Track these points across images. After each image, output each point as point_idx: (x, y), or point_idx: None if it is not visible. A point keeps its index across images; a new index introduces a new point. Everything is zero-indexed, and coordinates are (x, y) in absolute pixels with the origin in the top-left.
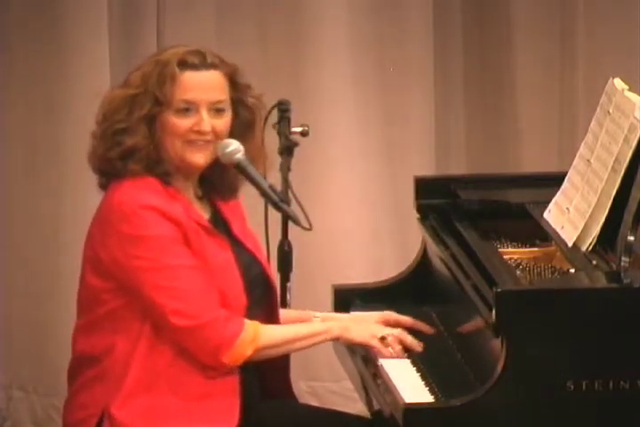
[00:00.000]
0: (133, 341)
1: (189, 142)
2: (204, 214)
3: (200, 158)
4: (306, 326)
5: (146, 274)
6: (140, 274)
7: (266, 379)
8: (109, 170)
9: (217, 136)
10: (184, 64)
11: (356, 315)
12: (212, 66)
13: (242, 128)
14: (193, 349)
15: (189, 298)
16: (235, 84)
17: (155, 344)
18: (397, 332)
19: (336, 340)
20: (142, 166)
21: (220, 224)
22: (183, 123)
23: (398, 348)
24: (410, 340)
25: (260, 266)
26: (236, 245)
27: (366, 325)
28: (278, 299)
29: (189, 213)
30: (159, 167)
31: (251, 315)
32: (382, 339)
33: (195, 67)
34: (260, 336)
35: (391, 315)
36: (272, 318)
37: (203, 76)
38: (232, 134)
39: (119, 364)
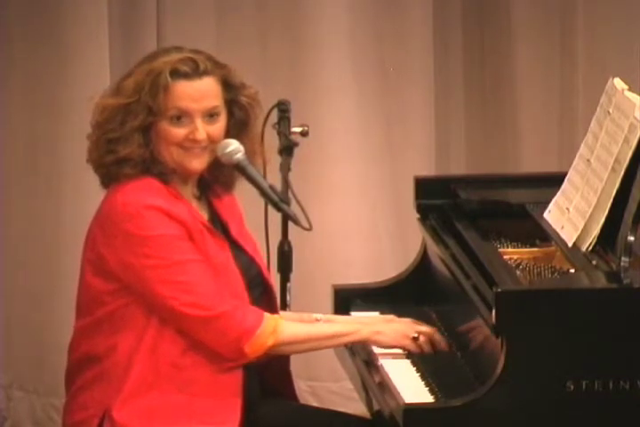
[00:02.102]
0: (135, 341)
1: (185, 149)
2: (204, 215)
3: (197, 164)
4: (333, 325)
5: (155, 271)
6: (149, 272)
7: (266, 379)
8: (105, 173)
9: (212, 141)
10: (176, 73)
11: (356, 317)
12: (205, 73)
13: (237, 127)
14: (212, 341)
15: (202, 290)
16: (228, 85)
17: (157, 345)
18: (429, 330)
19: (364, 343)
20: (138, 170)
21: (218, 225)
22: (178, 131)
23: (428, 348)
24: (439, 338)
25: (259, 268)
26: (235, 246)
27: (396, 325)
28: (277, 300)
29: (192, 212)
30: (155, 168)
31: None
32: (414, 339)
33: (187, 76)
34: (280, 329)
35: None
36: None
37: (196, 85)
38: (228, 134)
39: (121, 364)
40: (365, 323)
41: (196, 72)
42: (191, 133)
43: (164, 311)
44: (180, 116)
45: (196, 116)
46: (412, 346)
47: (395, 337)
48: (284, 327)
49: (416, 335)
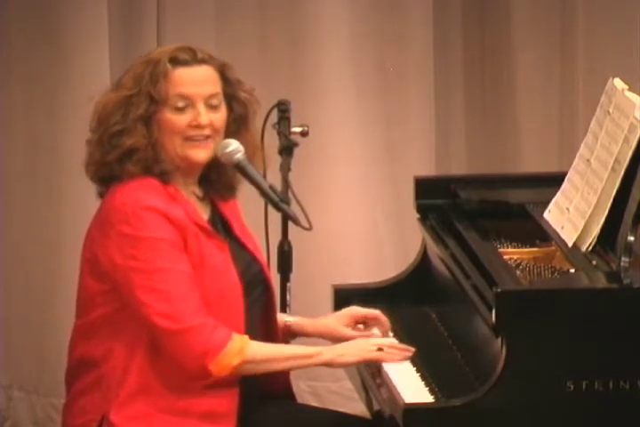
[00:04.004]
0: (132, 346)
1: (189, 139)
2: (204, 215)
3: (201, 154)
4: (297, 347)
5: (137, 275)
6: (132, 274)
7: (265, 379)
8: (107, 174)
9: (215, 131)
10: (175, 61)
11: (321, 320)
12: (203, 61)
13: (237, 123)
14: (177, 354)
15: (176, 302)
16: (226, 79)
17: (153, 350)
18: (387, 341)
19: (329, 366)
20: (140, 168)
21: (219, 224)
22: (181, 119)
23: (395, 354)
24: (401, 345)
25: (260, 265)
26: (237, 244)
27: (354, 343)
28: (277, 299)
29: (189, 214)
30: (157, 167)
31: (249, 315)
32: (379, 349)
33: (186, 63)
34: (247, 348)
35: (357, 310)
36: (269, 319)
37: (195, 71)
38: (228, 130)
39: (118, 369)
40: (332, 349)
41: (194, 59)
42: (194, 120)
43: (139, 315)
44: (183, 106)
45: (198, 101)
46: (381, 356)
47: (359, 353)
48: (250, 348)
49: (379, 347)
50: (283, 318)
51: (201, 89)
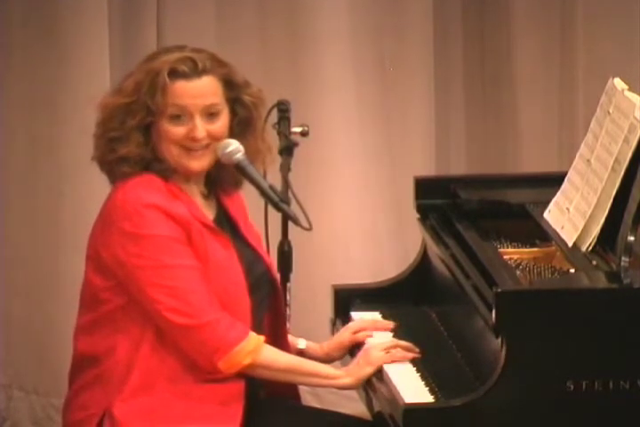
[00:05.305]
0: (136, 343)
1: (186, 150)
2: (210, 213)
3: (197, 165)
4: (317, 364)
5: (145, 272)
6: (139, 272)
7: (270, 379)
8: (109, 171)
9: (213, 139)
10: (175, 73)
11: (331, 341)
12: (204, 72)
13: (241, 126)
14: (189, 349)
15: (188, 297)
16: (230, 84)
17: (158, 348)
18: (390, 342)
19: (349, 389)
20: (139, 168)
21: (225, 223)
22: (178, 130)
23: (403, 352)
24: (403, 343)
25: (266, 266)
26: (243, 244)
27: (363, 359)
28: (284, 299)
29: (192, 210)
30: (156, 165)
31: (257, 317)
32: (387, 352)
33: (186, 75)
34: (260, 350)
35: (362, 325)
36: (278, 320)
37: (194, 84)
38: (231, 133)
39: (121, 365)
40: (347, 371)
41: (194, 72)
42: (190, 132)
43: (151, 313)
44: (179, 115)
45: (195, 113)
46: (391, 357)
47: (373, 364)
48: (265, 350)
49: (387, 351)
50: (294, 343)
51: (198, 101)
